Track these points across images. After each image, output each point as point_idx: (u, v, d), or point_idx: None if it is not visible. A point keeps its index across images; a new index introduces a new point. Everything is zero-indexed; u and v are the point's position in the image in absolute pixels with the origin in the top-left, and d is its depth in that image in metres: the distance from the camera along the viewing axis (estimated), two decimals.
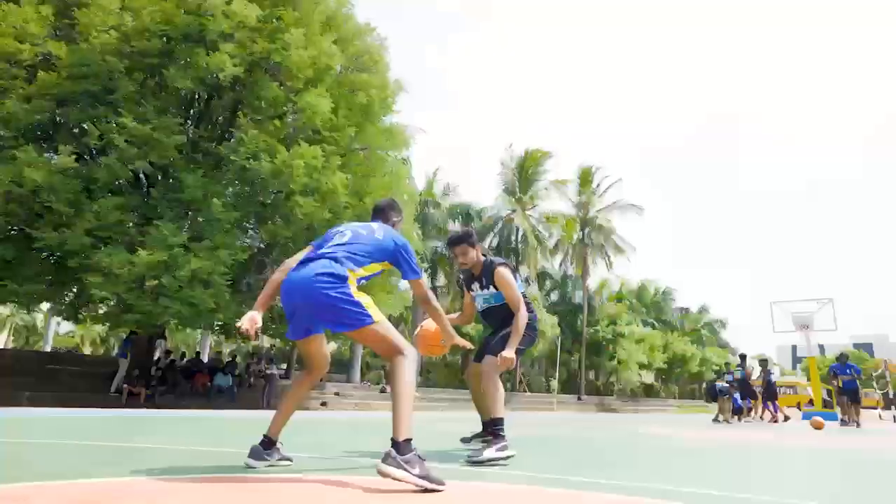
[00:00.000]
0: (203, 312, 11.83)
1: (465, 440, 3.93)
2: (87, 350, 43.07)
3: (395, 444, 2.19)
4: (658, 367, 38.49)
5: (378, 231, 2.78)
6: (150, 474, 2.36)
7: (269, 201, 13.43)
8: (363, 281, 2.65)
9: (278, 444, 2.76)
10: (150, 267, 10.88)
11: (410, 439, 2.21)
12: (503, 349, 3.48)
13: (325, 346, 2.79)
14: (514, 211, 29.56)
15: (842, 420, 12.96)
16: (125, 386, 13.24)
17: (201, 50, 12.06)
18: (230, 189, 13.73)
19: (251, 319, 2.54)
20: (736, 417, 13.65)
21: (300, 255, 2.72)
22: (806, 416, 18.50)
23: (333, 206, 13.31)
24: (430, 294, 2.94)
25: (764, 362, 16.17)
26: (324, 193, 12.99)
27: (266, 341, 28.95)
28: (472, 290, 3.82)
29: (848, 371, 13.23)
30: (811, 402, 21.24)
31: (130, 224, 11.95)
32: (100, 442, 3.90)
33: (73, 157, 11.10)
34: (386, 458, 2.13)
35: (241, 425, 6.36)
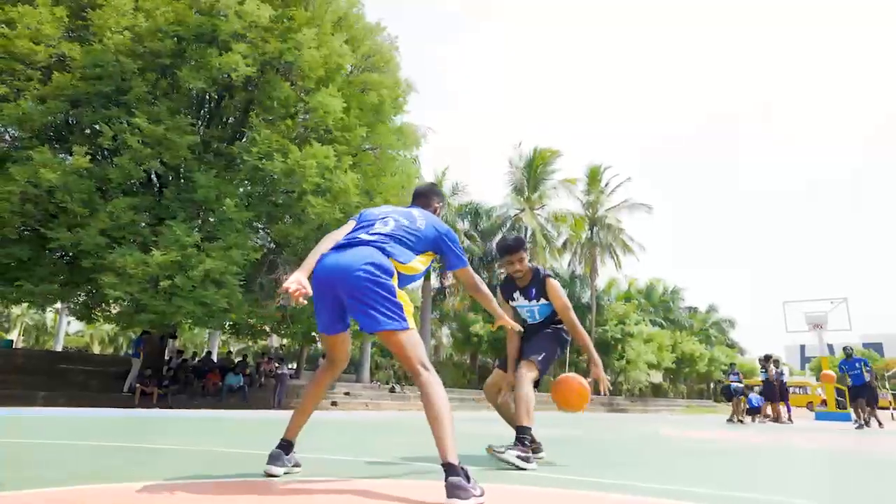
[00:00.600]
0: (216, 312, 11.87)
1: (497, 451, 3.72)
2: (96, 349, 43.34)
3: (451, 468, 1.99)
4: (667, 367, 38.32)
5: (419, 219, 2.59)
6: (182, 477, 2.35)
7: (281, 201, 13.46)
8: (410, 281, 2.50)
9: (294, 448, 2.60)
10: (164, 267, 10.92)
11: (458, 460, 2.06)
12: (540, 354, 3.42)
13: (349, 341, 2.63)
14: (522, 210, 29.50)
15: (856, 422, 11.95)
16: (137, 385, 13.30)
17: (213, 50, 12.09)
18: (242, 189, 13.77)
19: (299, 281, 2.23)
20: (750, 418, 13.57)
21: (347, 228, 2.57)
22: (819, 417, 18.38)
23: (345, 206, 13.33)
24: (479, 280, 2.76)
25: (776, 362, 16.11)
26: (335, 193, 13.02)
27: (276, 340, 29.05)
28: (514, 301, 3.68)
29: (857, 366, 12.36)
30: (824, 402, 21.04)
31: (144, 224, 12.01)
32: (123, 443, 3.91)
33: (88, 157, 11.15)
34: (456, 491, 1.92)
35: (256, 426, 6.37)
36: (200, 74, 12.02)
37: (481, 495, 1.98)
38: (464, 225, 29.43)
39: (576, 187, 32.16)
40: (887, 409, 26.56)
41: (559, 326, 3.67)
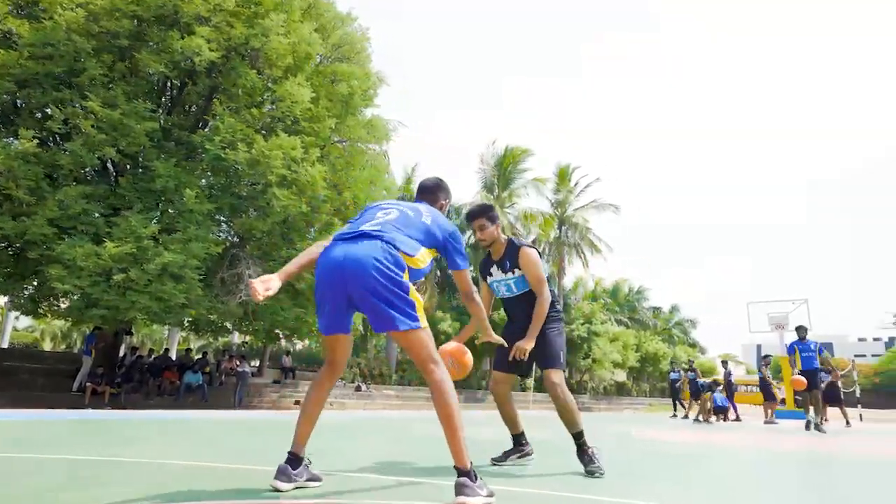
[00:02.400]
0: (173, 308, 11.31)
1: (497, 461, 3.48)
2: (47, 346, 41.52)
3: (463, 473, 2.07)
4: (630, 366, 38.86)
5: (426, 214, 2.47)
6: (130, 501, 2.02)
7: (245, 193, 12.93)
8: (420, 276, 2.34)
9: (306, 461, 2.39)
10: (118, 259, 10.33)
11: (471, 462, 2.10)
12: (556, 358, 3.25)
13: (351, 341, 2.48)
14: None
15: (808, 421, 10.04)
16: (88, 384, 12.60)
17: (175, 33, 11.52)
18: (204, 180, 13.21)
19: (266, 283, 2.14)
20: (715, 417, 13.67)
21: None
22: (778, 415, 18.75)
23: (312, 199, 12.93)
24: (474, 288, 2.61)
25: (724, 363, 16.30)
26: (302, 186, 12.58)
27: (237, 337, 28.23)
28: (491, 276, 3.49)
29: (811, 347, 10.54)
30: (783, 401, 21.51)
31: (97, 214, 11.33)
32: (68, 454, 3.51)
33: (36, 141, 10.45)
34: (463, 489, 2.03)
35: (216, 429, 5.98)
36: (161, 58, 11.43)
37: (489, 495, 2.07)
38: None
39: (545, 187, 32.24)
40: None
41: (553, 326, 3.36)
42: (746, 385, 42.79)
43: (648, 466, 4.03)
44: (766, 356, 14.96)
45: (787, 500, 2.85)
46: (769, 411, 14.14)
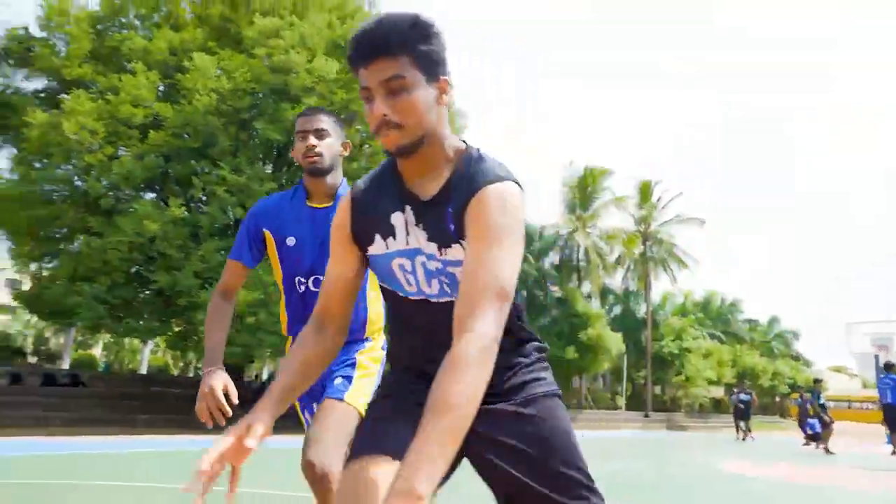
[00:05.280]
0: None
1: None
2: (174, 371, 45.97)
3: None
4: (727, 382, 37.45)
5: None
6: None
7: None
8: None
9: None
10: (250, 304, 12.07)
11: None
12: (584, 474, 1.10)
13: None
14: (575, 230, 29.82)
15: None
16: None
17: (287, 104, 13.29)
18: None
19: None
20: (813, 444, 13.41)
21: None
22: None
23: None
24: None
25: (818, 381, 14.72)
26: None
27: None
28: (378, 253, 1.14)
29: (887, 381, 9.87)
30: None
31: None
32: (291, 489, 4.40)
33: (183, 208, 12.48)
34: None
35: None
36: (275, 127, 13.22)
37: None
38: None
39: (626, 204, 32.29)
40: None
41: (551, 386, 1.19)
42: (861, 402, 39.91)
43: None
44: (889, 363, 10.91)
45: None
46: None
